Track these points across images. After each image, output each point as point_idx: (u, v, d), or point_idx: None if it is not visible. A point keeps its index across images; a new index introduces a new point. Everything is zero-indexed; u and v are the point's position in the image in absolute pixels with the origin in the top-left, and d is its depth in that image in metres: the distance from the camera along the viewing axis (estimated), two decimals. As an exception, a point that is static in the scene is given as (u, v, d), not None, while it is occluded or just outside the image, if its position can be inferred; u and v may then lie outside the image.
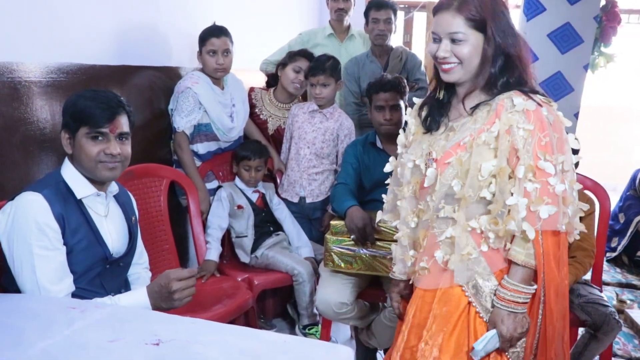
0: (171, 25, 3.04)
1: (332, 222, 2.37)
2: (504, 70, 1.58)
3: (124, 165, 1.79)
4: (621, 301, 3.40)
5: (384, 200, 1.95)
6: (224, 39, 2.83)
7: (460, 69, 1.58)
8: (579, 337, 2.46)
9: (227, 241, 2.99)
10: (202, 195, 2.85)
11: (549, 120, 1.52)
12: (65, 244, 1.66)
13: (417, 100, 1.79)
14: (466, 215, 1.57)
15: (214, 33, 2.83)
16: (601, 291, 2.50)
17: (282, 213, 2.99)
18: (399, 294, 1.86)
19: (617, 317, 2.30)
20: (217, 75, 2.88)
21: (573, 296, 2.39)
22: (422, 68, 3.66)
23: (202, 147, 2.95)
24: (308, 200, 3.02)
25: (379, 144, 2.64)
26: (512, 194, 1.51)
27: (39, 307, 1.41)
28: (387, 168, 1.89)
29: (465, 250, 1.57)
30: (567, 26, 3.16)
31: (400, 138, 1.84)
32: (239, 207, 2.88)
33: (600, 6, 3.34)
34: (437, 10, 1.59)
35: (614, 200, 3.65)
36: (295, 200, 3.05)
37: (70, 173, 1.74)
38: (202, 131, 2.91)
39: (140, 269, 2.08)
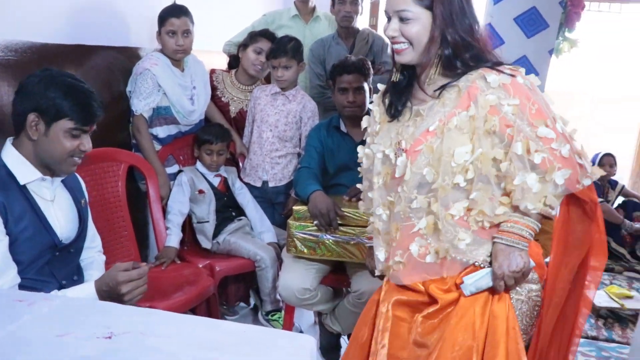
0: (130, 3, 2.92)
1: (295, 208, 2.33)
2: (459, 50, 1.48)
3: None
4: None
5: (360, 189, 1.89)
6: (184, 19, 2.73)
7: (411, 50, 1.50)
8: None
9: (188, 227, 2.93)
10: (161, 180, 2.78)
11: (528, 86, 1.46)
12: (8, 233, 1.57)
13: (381, 87, 1.73)
14: (443, 204, 1.49)
15: (174, 13, 2.73)
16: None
17: (244, 198, 2.93)
18: None
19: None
20: (177, 57, 2.79)
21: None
22: (389, 51, 3.61)
23: (162, 131, 2.87)
24: (271, 185, 2.97)
25: (343, 127, 2.60)
26: (504, 177, 1.45)
27: (-18, 300, 1.33)
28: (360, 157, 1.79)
29: (457, 238, 1.49)
30: (533, 10, 3.15)
31: (364, 124, 1.79)
32: (200, 191, 2.82)
33: (566, -9, 3.35)
34: None
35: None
36: (258, 184, 2.99)
37: (12, 157, 1.64)
38: (162, 114, 2.82)
39: (93, 253, 2.00)
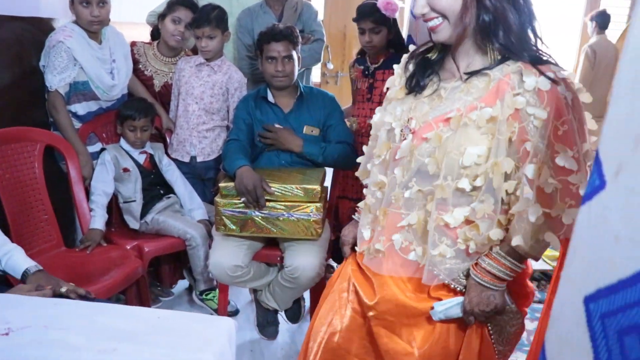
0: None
1: (221, 185, 2.26)
2: (500, 18, 1.27)
3: None
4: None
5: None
6: None
7: (448, 25, 1.31)
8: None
9: (115, 207, 2.81)
10: (82, 160, 2.64)
11: (568, 100, 1.24)
12: None
13: (412, 47, 1.54)
14: (438, 206, 1.36)
15: None
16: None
17: (172, 174, 2.83)
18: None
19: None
20: (93, 29, 2.62)
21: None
22: (318, 19, 3.53)
23: (81, 108, 2.71)
24: (199, 160, 2.88)
25: (270, 98, 2.53)
26: (509, 195, 1.31)
27: None
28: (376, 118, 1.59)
29: (437, 251, 1.38)
30: None
31: (388, 84, 1.58)
32: (125, 170, 2.70)
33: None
34: None
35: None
36: (186, 160, 2.89)
37: None
38: (80, 90, 2.66)
39: None
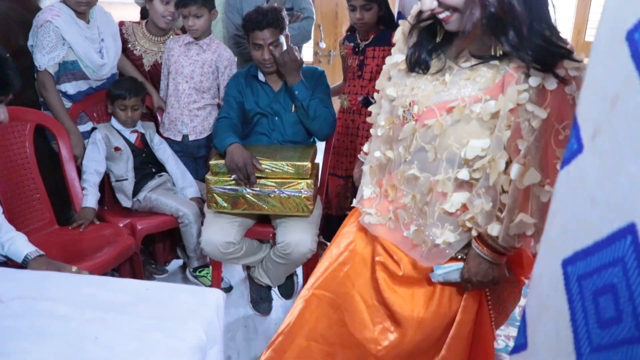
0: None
1: (212, 162, 2.26)
2: (505, 16, 1.19)
3: None
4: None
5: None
6: None
7: (459, 17, 1.26)
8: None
9: (107, 186, 2.81)
10: (74, 139, 2.64)
11: (575, 99, 1.16)
12: None
13: (415, 10, 1.43)
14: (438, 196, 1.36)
15: None
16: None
17: (164, 153, 2.82)
18: None
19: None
20: (81, 9, 2.59)
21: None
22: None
23: (71, 87, 2.70)
24: (191, 138, 2.87)
25: (261, 77, 2.51)
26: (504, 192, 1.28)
27: None
28: (394, 59, 1.50)
29: (442, 239, 1.38)
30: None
31: (396, 36, 1.52)
32: (117, 149, 2.69)
33: None
34: None
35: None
36: (178, 138, 2.89)
37: None
38: (69, 69, 2.65)
39: None
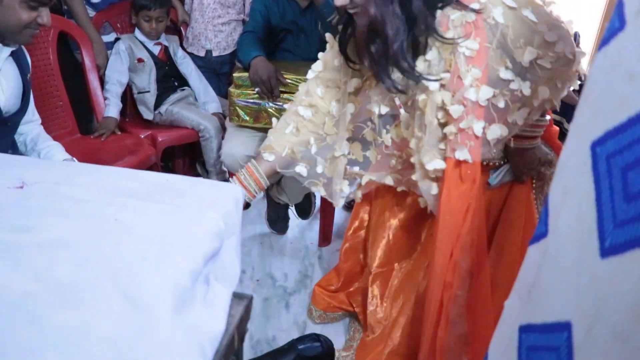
0: None
1: (236, 75, 2.23)
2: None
3: None
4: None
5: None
6: None
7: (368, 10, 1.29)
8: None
9: (129, 98, 2.81)
10: (97, 48, 2.62)
11: (495, 22, 1.29)
12: None
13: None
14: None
15: None
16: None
17: (187, 67, 2.81)
18: None
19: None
20: None
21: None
22: None
23: (95, -5, 2.67)
24: (215, 54, 2.85)
25: (288, -9, 2.45)
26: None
27: None
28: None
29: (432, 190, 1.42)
30: None
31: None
32: (140, 60, 2.68)
33: None
34: None
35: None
36: (202, 54, 2.86)
37: None
38: (94, -24, 2.62)
39: (34, 126, 1.97)
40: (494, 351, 0.83)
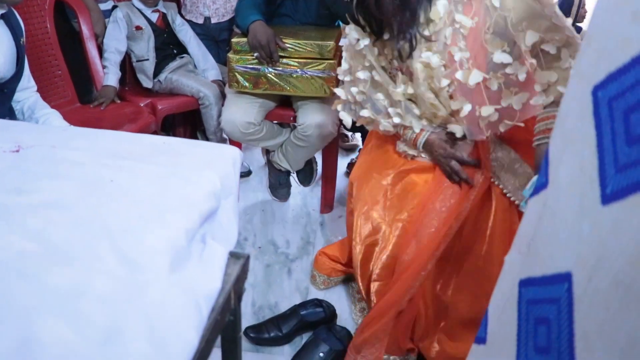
0: None
1: (234, 40, 2.19)
2: None
3: None
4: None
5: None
6: None
7: None
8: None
9: (128, 66, 2.78)
10: (94, 16, 2.59)
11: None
12: None
13: None
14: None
15: None
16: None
17: (185, 35, 2.77)
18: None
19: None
20: None
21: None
22: None
23: (91, -39, 2.62)
24: (213, 21, 2.80)
25: (286, -45, 2.40)
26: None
27: None
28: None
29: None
30: None
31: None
32: (138, 28, 2.64)
33: None
34: None
35: None
36: (200, 21, 2.82)
37: None
38: (89, -58, 2.57)
39: (30, 93, 1.94)
40: (493, 307, 0.82)
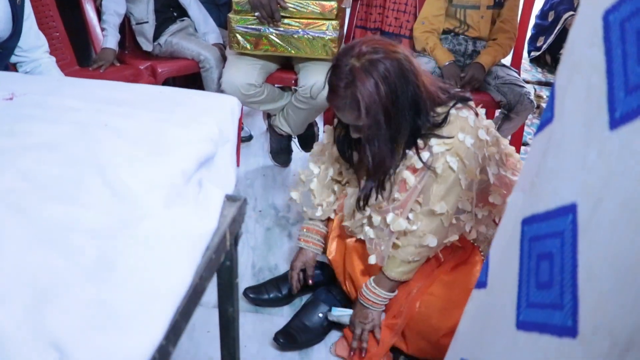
0: None
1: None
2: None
3: None
4: (538, 96, 3.43)
5: None
6: None
7: None
8: (494, 118, 2.45)
9: (128, 29, 2.74)
10: (93, -23, 2.54)
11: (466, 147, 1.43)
12: None
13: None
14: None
15: None
16: (519, 74, 2.47)
17: (186, -2, 2.72)
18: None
19: (531, 97, 2.27)
20: None
21: (490, 78, 2.35)
22: None
23: None
24: (214, -17, 2.76)
25: None
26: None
27: None
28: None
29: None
30: None
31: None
32: (137, -11, 2.60)
33: None
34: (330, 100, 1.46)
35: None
36: (200, -17, 2.77)
37: None
38: None
39: (40, 54, 1.91)
40: (495, 251, 0.81)
